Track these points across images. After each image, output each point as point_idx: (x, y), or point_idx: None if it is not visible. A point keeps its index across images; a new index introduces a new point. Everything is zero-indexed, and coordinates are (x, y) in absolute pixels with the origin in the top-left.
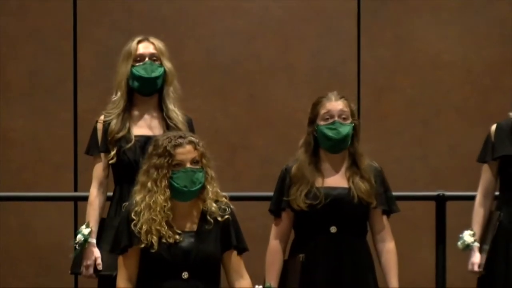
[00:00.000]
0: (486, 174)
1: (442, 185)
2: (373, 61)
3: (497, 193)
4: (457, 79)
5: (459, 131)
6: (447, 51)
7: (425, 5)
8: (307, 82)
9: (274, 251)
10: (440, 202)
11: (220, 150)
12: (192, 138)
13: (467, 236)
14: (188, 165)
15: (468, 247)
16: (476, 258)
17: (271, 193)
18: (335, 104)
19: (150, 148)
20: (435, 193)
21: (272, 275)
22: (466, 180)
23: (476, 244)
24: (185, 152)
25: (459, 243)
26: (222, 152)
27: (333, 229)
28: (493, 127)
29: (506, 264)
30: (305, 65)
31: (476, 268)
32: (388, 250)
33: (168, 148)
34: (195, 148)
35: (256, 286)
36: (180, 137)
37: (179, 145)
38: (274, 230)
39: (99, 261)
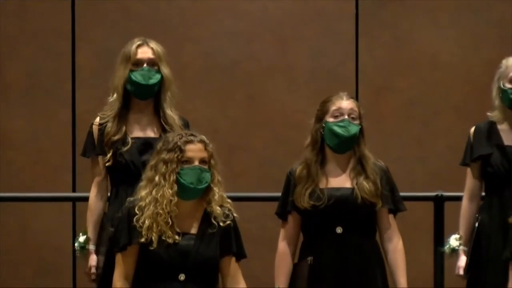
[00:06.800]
0: (469, 177)
1: (441, 185)
2: (372, 62)
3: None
4: (456, 79)
5: (458, 132)
6: (445, 52)
7: (423, 6)
8: (306, 83)
9: (282, 254)
10: (439, 202)
11: (218, 151)
12: (203, 138)
13: (453, 240)
14: (197, 163)
15: (453, 251)
16: (462, 261)
17: (269, 194)
18: (346, 103)
19: (159, 144)
20: (433, 194)
21: (281, 278)
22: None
23: (462, 248)
24: (195, 150)
25: (445, 247)
26: (221, 153)
27: (339, 230)
28: (472, 129)
29: (486, 268)
30: (304, 66)
31: (461, 272)
32: (395, 249)
33: (179, 143)
34: (205, 148)
35: None
36: (192, 135)
37: (190, 141)
38: (281, 233)
39: (93, 270)
